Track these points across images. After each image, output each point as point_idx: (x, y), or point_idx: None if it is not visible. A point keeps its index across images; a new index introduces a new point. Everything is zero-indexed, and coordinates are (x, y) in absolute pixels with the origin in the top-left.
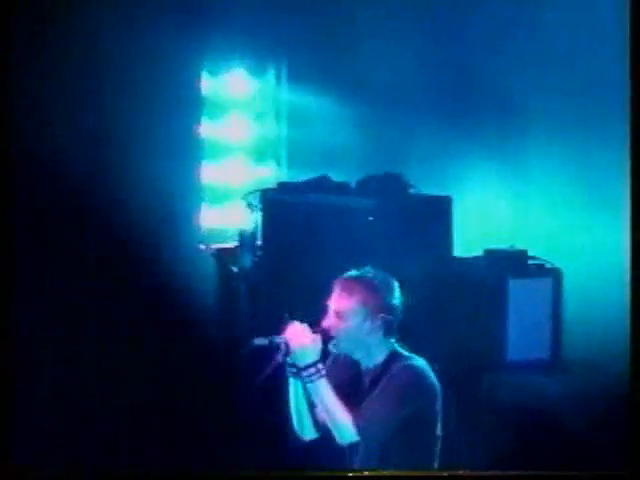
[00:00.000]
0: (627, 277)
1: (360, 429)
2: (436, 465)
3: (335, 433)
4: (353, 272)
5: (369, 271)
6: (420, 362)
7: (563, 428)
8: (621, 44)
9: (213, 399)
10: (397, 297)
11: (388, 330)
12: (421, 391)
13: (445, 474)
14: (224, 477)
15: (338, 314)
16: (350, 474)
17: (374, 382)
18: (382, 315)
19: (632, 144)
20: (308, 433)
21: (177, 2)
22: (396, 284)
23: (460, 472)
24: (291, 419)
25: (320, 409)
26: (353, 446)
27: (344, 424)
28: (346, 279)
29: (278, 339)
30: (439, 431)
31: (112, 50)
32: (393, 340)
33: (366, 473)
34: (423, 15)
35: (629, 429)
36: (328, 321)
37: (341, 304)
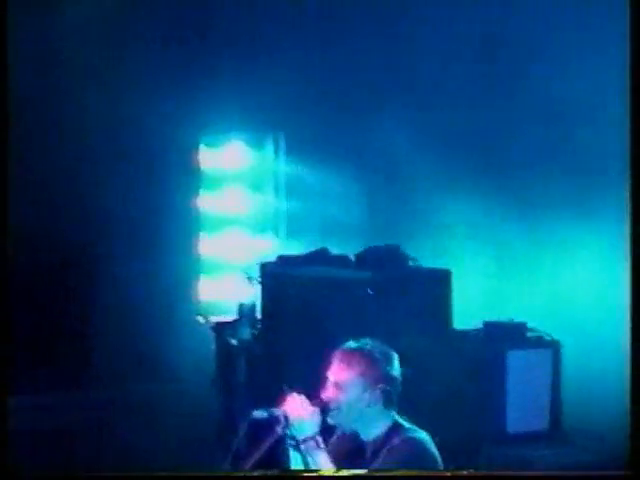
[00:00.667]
0: (625, 348)
1: None
2: None
3: None
4: (352, 344)
5: (368, 343)
6: (421, 435)
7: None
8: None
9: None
10: (396, 368)
11: (388, 401)
12: (421, 463)
13: (448, 474)
14: (224, 477)
15: (337, 385)
16: (350, 474)
17: (375, 454)
18: (381, 386)
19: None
20: None
21: (175, 76)
22: (395, 355)
23: (462, 472)
24: None
25: None
26: None
27: None
28: (345, 351)
29: (277, 412)
30: None
31: (110, 123)
32: (393, 412)
33: (366, 473)
34: (415, 83)
35: (632, 429)
36: (327, 393)
37: (340, 375)
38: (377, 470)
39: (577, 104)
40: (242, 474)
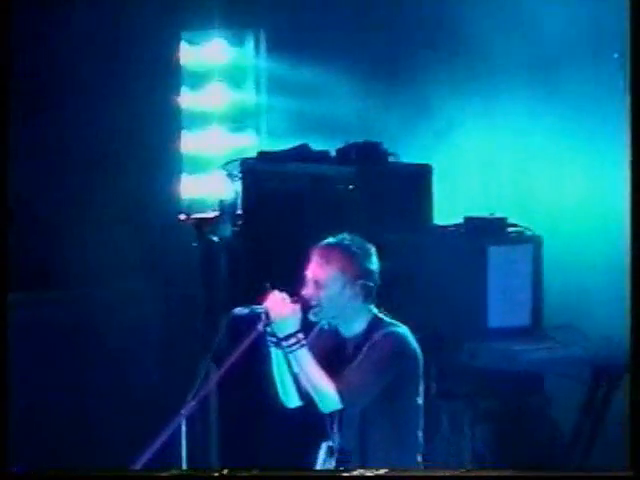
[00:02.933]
0: (608, 243)
1: (342, 396)
2: (419, 434)
3: (317, 401)
4: (330, 239)
5: (346, 238)
6: (402, 329)
7: (544, 394)
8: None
9: (192, 369)
10: (375, 262)
11: (367, 296)
12: (403, 357)
13: (448, 474)
14: (224, 477)
15: (317, 282)
16: (350, 474)
17: (356, 349)
18: (361, 281)
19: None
20: (292, 402)
21: None
22: (373, 250)
23: (462, 472)
24: (275, 387)
25: (301, 378)
26: (335, 414)
27: (326, 392)
28: (323, 247)
29: (258, 309)
30: (421, 399)
31: (87, 21)
32: (373, 307)
33: (364, 473)
34: None
35: (633, 429)
36: (307, 290)
37: (319, 272)
38: (378, 470)
39: None
40: (242, 474)
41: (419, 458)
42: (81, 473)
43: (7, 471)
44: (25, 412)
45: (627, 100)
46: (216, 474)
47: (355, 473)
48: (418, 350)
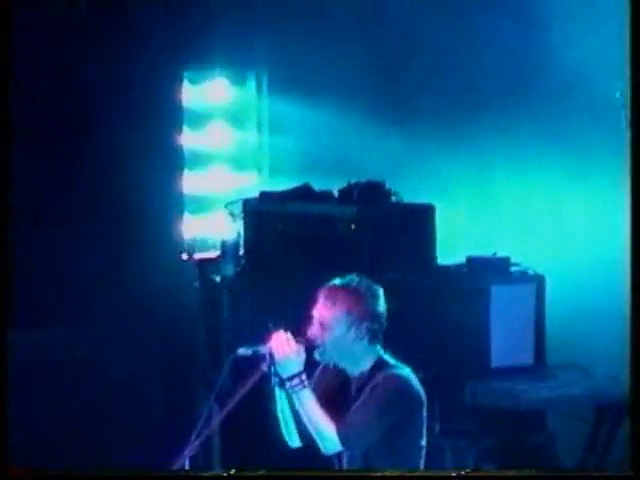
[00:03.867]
0: (611, 280)
1: (343, 438)
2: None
3: (319, 443)
4: (337, 280)
5: (353, 279)
6: (405, 371)
7: (547, 432)
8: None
9: (196, 410)
10: (382, 304)
11: (373, 338)
12: (405, 399)
13: (452, 474)
14: (224, 477)
15: (322, 323)
16: (350, 474)
17: (360, 390)
18: (367, 323)
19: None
20: (294, 442)
21: (158, 11)
22: (380, 291)
23: (462, 472)
24: (279, 427)
25: (305, 419)
26: (339, 456)
27: (327, 434)
28: (330, 288)
29: (262, 349)
30: (424, 441)
31: (93, 57)
32: (379, 348)
33: (366, 473)
34: (407, 20)
35: (633, 429)
36: (312, 330)
37: (325, 313)
38: (376, 470)
39: None
40: (242, 474)
41: None
42: (81, 473)
43: (7, 471)
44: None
45: (628, 136)
46: (222, 474)
47: (355, 473)
48: (421, 391)
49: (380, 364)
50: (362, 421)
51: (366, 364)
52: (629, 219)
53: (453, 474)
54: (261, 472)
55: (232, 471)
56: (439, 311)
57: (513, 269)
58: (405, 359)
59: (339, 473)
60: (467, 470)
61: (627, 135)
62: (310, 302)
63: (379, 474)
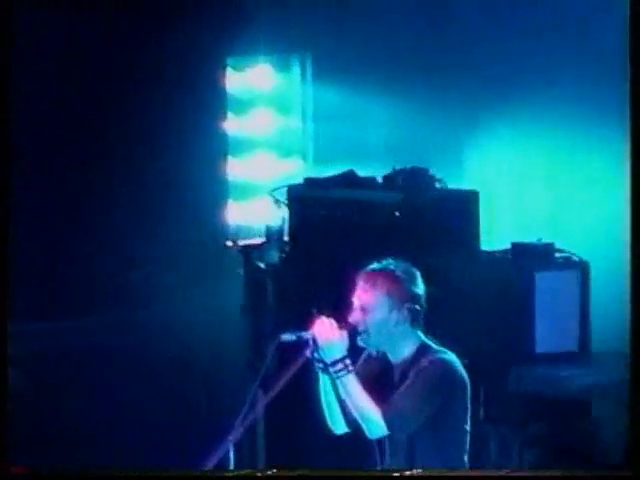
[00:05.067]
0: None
1: (389, 422)
2: (466, 459)
3: (364, 428)
4: (375, 265)
5: (391, 263)
6: (450, 356)
7: (592, 419)
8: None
9: (240, 395)
10: (420, 286)
11: (414, 321)
12: (450, 385)
13: (451, 474)
14: (224, 477)
15: (363, 308)
16: (352, 474)
17: (403, 375)
18: (407, 305)
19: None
20: (339, 428)
21: None
22: (418, 274)
23: (465, 472)
24: (323, 413)
25: (347, 404)
26: (382, 441)
27: (373, 418)
28: (368, 272)
29: (306, 335)
30: (468, 426)
31: (136, 45)
32: (420, 332)
33: (366, 473)
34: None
35: (633, 429)
36: (354, 315)
37: (365, 297)
38: (377, 470)
39: None
40: (242, 474)
41: None
42: (81, 473)
43: (7, 471)
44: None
45: None
46: (217, 474)
47: (356, 473)
48: (465, 376)
49: (423, 349)
50: (408, 405)
51: (409, 349)
52: None
53: (453, 474)
54: (266, 472)
55: (243, 471)
56: (483, 297)
57: (557, 255)
58: (449, 345)
59: (344, 473)
60: (467, 470)
61: None
62: (352, 288)
63: (379, 474)
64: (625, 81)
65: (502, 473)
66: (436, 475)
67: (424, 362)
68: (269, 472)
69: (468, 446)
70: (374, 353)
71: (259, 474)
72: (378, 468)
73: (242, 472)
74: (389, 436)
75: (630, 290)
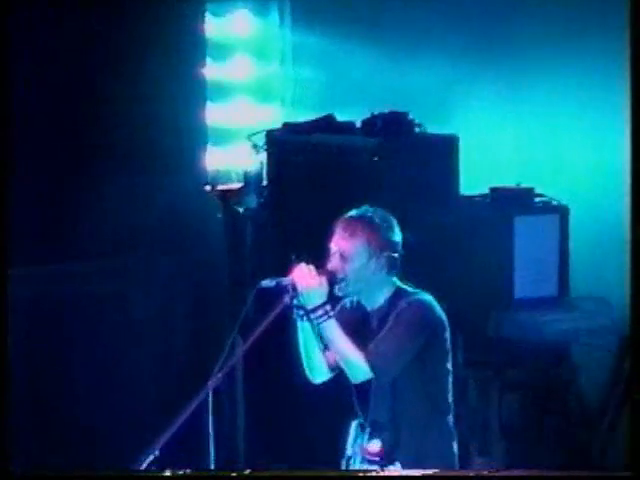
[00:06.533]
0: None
1: (373, 365)
2: (450, 399)
3: (348, 372)
4: (353, 212)
5: (368, 210)
6: (426, 297)
7: (572, 363)
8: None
9: (219, 342)
10: (398, 234)
11: (392, 268)
12: (430, 323)
13: (451, 474)
14: (224, 477)
15: (342, 255)
16: (350, 474)
17: (381, 321)
18: (386, 253)
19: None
20: (319, 375)
21: None
22: (395, 221)
23: (464, 472)
24: (302, 362)
25: (331, 350)
26: (365, 386)
27: (356, 361)
28: (346, 220)
29: (285, 281)
30: (449, 365)
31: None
32: (397, 279)
33: (366, 473)
34: None
35: (632, 429)
36: (333, 263)
37: (344, 245)
38: (376, 470)
39: None
40: (242, 474)
41: (451, 420)
42: (82, 473)
43: (8, 470)
44: (28, 410)
45: None
46: (217, 474)
47: (356, 473)
48: (444, 316)
49: (399, 293)
50: (391, 347)
51: (385, 295)
52: None
53: (453, 474)
54: (267, 472)
55: (248, 472)
56: (462, 242)
57: (537, 200)
58: (428, 291)
59: (339, 473)
60: (467, 470)
61: None
62: (330, 234)
63: (379, 474)
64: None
65: (502, 473)
66: (436, 475)
67: (402, 304)
68: (270, 472)
69: (451, 386)
70: (348, 303)
71: (259, 474)
72: (361, 420)
73: (242, 472)
74: (372, 381)
75: (630, 287)
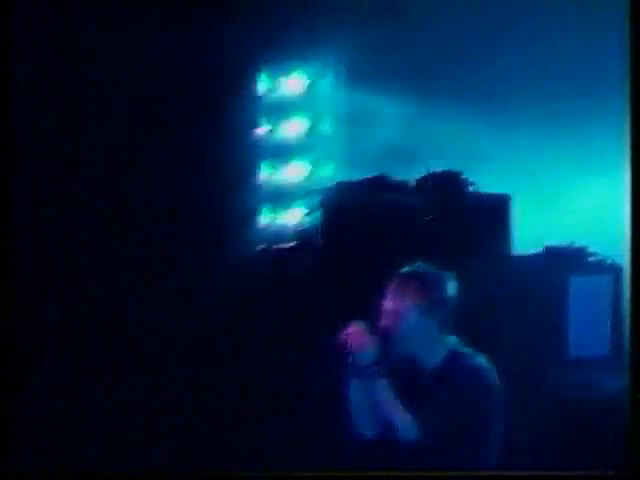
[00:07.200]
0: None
1: (421, 428)
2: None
3: (396, 432)
4: (405, 269)
5: (420, 267)
6: (481, 361)
7: (624, 425)
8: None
9: (276, 399)
10: (451, 291)
11: (444, 326)
12: (482, 392)
13: (451, 474)
14: (224, 477)
15: (394, 313)
16: (350, 474)
17: (435, 381)
18: (438, 311)
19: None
20: (369, 432)
21: (237, 4)
22: (449, 278)
23: (462, 473)
24: (353, 417)
25: (381, 408)
26: (414, 445)
27: (405, 423)
28: (399, 277)
29: (339, 340)
30: (500, 430)
31: (172, 51)
32: (451, 337)
33: (366, 473)
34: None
35: (632, 429)
36: (385, 321)
37: (396, 302)
38: (377, 470)
39: None
40: (242, 474)
41: None
42: (83, 473)
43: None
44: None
45: None
46: (217, 474)
47: (355, 473)
48: (497, 382)
49: (454, 354)
50: (441, 411)
51: (440, 353)
52: None
53: (453, 474)
54: (267, 472)
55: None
56: (516, 302)
57: (590, 259)
58: (483, 350)
59: (343, 473)
60: (467, 470)
61: None
62: (384, 293)
63: (379, 474)
64: None
65: (502, 473)
66: (436, 475)
67: (455, 369)
68: (270, 472)
69: (500, 450)
70: (404, 358)
71: (259, 474)
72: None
73: (243, 472)
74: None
75: (630, 290)
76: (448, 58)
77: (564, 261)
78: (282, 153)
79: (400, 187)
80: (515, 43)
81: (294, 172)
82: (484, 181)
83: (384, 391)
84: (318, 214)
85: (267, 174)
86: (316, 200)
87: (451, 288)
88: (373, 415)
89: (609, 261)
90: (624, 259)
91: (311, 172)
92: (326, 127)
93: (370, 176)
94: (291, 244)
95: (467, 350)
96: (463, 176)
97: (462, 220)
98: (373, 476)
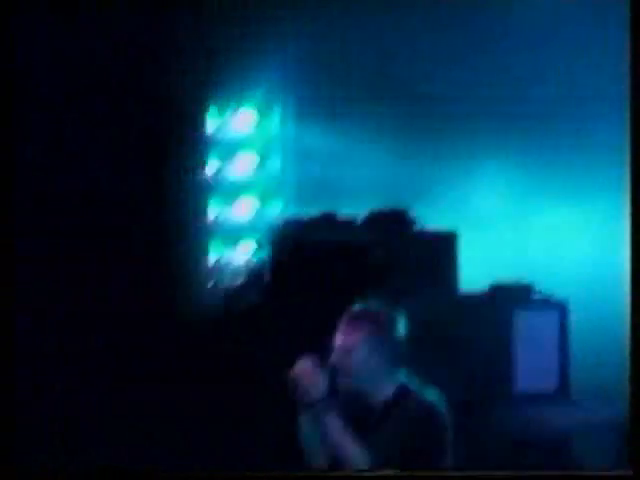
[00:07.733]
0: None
1: (371, 461)
2: None
3: (345, 465)
4: (357, 306)
5: (372, 304)
6: (430, 396)
7: (570, 458)
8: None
9: (225, 437)
10: (402, 328)
11: (395, 362)
12: (433, 426)
13: (451, 474)
14: (224, 477)
15: (345, 349)
16: (350, 474)
17: (384, 416)
18: (389, 347)
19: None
20: (318, 464)
21: (182, 40)
22: (400, 315)
23: (462, 472)
24: (304, 450)
25: (331, 441)
26: None
27: (354, 458)
28: (350, 314)
29: (287, 375)
30: (449, 463)
31: (115, 88)
32: (401, 373)
33: (366, 473)
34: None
35: (632, 429)
36: (335, 356)
37: (347, 338)
38: (377, 471)
39: None
40: (242, 474)
41: None
42: (83, 473)
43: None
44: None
45: None
46: (217, 474)
47: (355, 473)
48: (447, 417)
49: (404, 390)
50: (390, 444)
51: (389, 389)
52: None
53: (453, 474)
54: (257, 473)
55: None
56: (463, 338)
57: (536, 295)
58: (429, 385)
59: (337, 473)
60: (467, 470)
61: None
62: (334, 329)
63: (379, 474)
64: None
65: (502, 473)
66: (435, 475)
67: (404, 404)
68: (270, 473)
69: None
70: (354, 393)
71: (259, 474)
72: None
73: (243, 472)
74: None
75: (630, 292)
76: (397, 94)
77: (510, 297)
78: (231, 189)
79: (348, 224)
80: (462, 80)
81: (243, 208)
82: (430, 219)
83: (334, 425)
84: (266, 250)
85: (215, 210)
86: (264, 236)
87: (400, 324)
88: (324, 448)
89: (555, 297)
90: (572, 293)
91: (260, 208)
92: (275, 163)
93: (318, 212)
94: (240, 280)
95: (416, 385)
96: (410, 214)
97: (409, 257)
98: (371, 476)
